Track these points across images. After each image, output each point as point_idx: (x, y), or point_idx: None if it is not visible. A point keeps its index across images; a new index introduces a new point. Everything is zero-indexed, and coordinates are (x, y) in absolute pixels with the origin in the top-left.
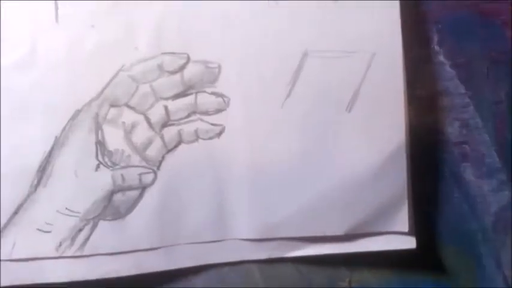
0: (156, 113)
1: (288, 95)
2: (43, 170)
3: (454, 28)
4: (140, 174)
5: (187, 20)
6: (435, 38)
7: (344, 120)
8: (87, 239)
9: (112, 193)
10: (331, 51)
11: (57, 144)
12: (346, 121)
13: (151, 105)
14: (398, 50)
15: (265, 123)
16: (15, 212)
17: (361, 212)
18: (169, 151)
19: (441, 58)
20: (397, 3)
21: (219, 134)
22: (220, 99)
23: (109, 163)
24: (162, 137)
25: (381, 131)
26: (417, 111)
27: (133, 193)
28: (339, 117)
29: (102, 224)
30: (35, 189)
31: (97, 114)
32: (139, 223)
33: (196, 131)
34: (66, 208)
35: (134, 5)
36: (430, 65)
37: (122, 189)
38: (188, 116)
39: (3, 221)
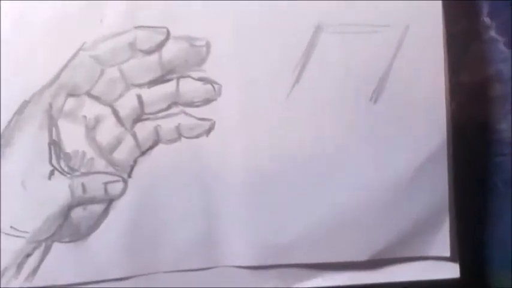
0: (127, 105)
1: (296, 82)
2: None
3: None
4: (106, 183)
5: None
6: (485, 8)
7: (368, 114)
8: (37, 266)
9: (70, 208)
10: (350, 25)
11: (1, 143)
12: (371, 115)
13: (121, 95)
14: (438, 23)
15: (267, 118)
16: None
17: (389, 233)
18: (143, 153)
19: (493, 33)
20: None
21: (208, 131)
22: (209, 86)
23: (66, 169)
24: (134, 135)
25: (415, 129)
26: (462, 102)
27: (97, 207)
28: (361, 111)
29: (57, 247)
30: None
31: (51, 106)
32: (105, 246)
33: (178, 128)
34: (11, 227)
35: None
36: (478, 43)
37: (83, 203)
38: (168, 108)
39: None
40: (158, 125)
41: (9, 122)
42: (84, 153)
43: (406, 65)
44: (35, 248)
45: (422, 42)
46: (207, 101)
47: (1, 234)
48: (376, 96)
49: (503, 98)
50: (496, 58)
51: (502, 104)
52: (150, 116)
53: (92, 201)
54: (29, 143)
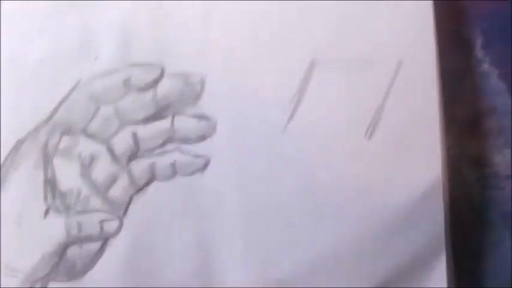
0: (122, 142)
1: (291, 118)
2: None
3: (503, 27)
4: (102, 222)
5: (160, 21)
6: (478, 41)
7: (363, 149)
8: None
9: (66, 246)
10: (344, 60)
11: None
12: (366, 151)
13: (116, 132)
14: (432, 58)
15: (262, 153)
16: None
17: (386, 267)
18: (138, 190)
19: (486, 67)
20: None
21: (203, 167)
22: (204, 123)
23: (61, 207)
24: (129, 173)
25: (410, 162)
26: (456, 136)
27: (93, 246)
28: (356, 147)
29: (53, 286)
30: None
31: (46, 145)
32: (101, 284)
33: (173, 165)
34: (6, 267)
35: (94, 4)
36: (472, 77)
37: (79, 241)
38: (163, 145)
39: None
40: (153, 162)
41: (4, 161)
42: (79, 191)
43: (400, 100)
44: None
45: (415, 77)
46: (202, 138)
47: None
48: (370, 132)
49: (498, 131)
50: (490, 91)
51: (497, 138)
52: (145, 154)
53: (88, 239)
54: (24, 181)
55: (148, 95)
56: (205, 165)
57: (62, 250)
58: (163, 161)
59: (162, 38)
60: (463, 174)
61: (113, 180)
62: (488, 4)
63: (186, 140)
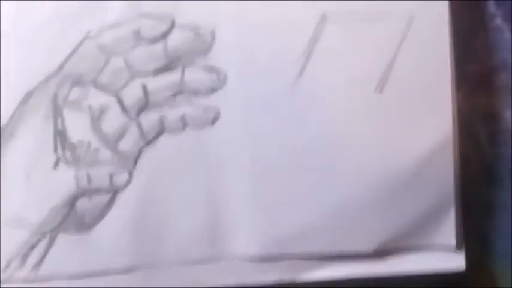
0: (132, 94)
1: (302, 71)
2: None
3: None
4: (111, 174)
5: None
6: None
7: (374, 103)
8: (42, 257)
9: (75, 198)
10: (355, 14)
11: (4, 136)
12: (376, 104)
13: (126, 84)
14: (444, 13)
15: (272, 107)
16: None
17: (395, 223)
18: (148, 143)
19: (499, 22)
20: None
21: (213, 120)
22: (214, 75)
23: (71, 159)
24: (139, 125)
25: (421, 118)
26: (468, 91)
27: (102, 198)
28: (366, 100)
29: (62, 239)
30: None
31: (55, 96)
32: (109, 237)
33: (183, 117)
34: (15, 218)
35: None
36: (484, 32)
37: (88, 193)
38: (173, 97)
39: None
40: (163, 115)
41: (13, 113)
42: (89, 143)
43: (411, 55)
44: (39, 240)
45: (427, 32)
46: (212, 90)
47: (5, 226)
48: (381, 86)
49: (509, 87)
50: (502, 47)
51: (508, 93)
52: (155, 106)
53: (97, 191)
54: (34, 133)
55: (159, 46)
56: (215, 118)
57: (71, 202)
58: (173, 114)
59: None
60: (473, 130)
61: (123, 132)
62: None
63: (196, 93)
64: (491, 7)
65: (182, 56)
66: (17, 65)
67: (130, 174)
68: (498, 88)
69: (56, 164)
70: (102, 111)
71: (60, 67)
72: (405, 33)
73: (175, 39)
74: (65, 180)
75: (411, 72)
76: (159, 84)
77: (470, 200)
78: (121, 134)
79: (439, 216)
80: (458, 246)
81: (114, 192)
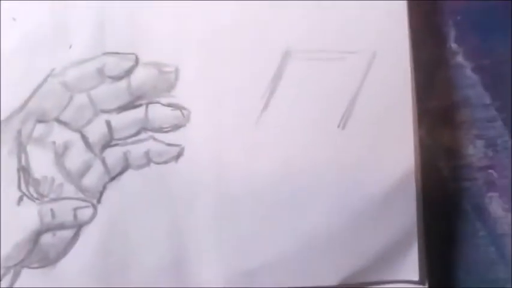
0: (96, 130)
1: (265, 108)
2: None
3: (476, 21)
4: (75, 209)
5: (135, 9)
6: (452, 34)
7: (336, 140)
8: None
9: (39, 233)
10: (319, 51)
11: None
12: (339, 141)
13: (90, 121)
14: (405, 50)
15: (235, 144)
16: None
17: (359, 257)
18: (112, 179)
19: (460, 59)
20: None
21: (177, 156)
22: (177, 112)
23: (35, 195)
24: (103, 161)
25: (383, 154)
26: (429, 127)
27: (67, 233)
28: (329, 137)
29: (27, 273)
30: None
31: (19, 132)
32: (74, 271)
33: (147, 153)
34: None
35: None
36: (445, 69)
37: (52, 228)
38: (137, 133)
39: None
40: (127, 151)
41: None
42: (53, 179)
43: (373, 91)
44: (4, 275)
45: (389, 68)
46: (176, 127)
47: None
48: (344, 122)
49: (471, 123)
50: (463, 84)
51: (470, 130)
52: (119, 142)
53: (61, 227)
54: None
55: (123, 84)
56: (179, 154)
57: (36, 237)
58: (137, 150)
59: (137, 26)
60: (436, 165)
61: (87, 168)
62: None
63: (160, 129)
64: (453, 44)
65: (146, 93)
66: None
67: (95, 209)
68: (460, 123)
69: (20, 199)
70: (66, 147)
71: (25, 104)
72: (367, 70)
73: (139, 76)
74: (29, 216)
75: (373, 108)
76: (123, 120)
77: (433, 233)
78: (85, 170)
79: (402, 250)
80: (421, 281)
81: (78, 227)
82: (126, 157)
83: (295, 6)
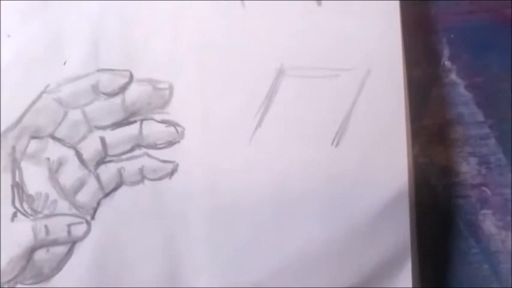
0: (90, 147)
1: (258, 125)
2: None
3: (470, 39)
4: (69, 225)
5: (129, 25)
6: (446, 52)
7: (330, 157)
8: None
9: (33, 249)
10: (313, 69)
11: None
12: (332, 158)
13: (84, 137)
14: (399, 67)
15: (229, 160)
16: None
17: (352, 273)
18: (106, 195)
19: (453, 77)
20: (397, 7)
21: (171, 173)
22: (172, 128)
23: (29, 211)
24: (97, 177)
25: (377, 171)
26: (423, 145)
27: (61, 249)
28: (323, 154)
29: None
30: None
31: (14, 148)
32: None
33: (141, 170)
34: None
35: (62, 7)
36: (439, 86)
37: (46, 245)
38: (131, 150)
39: None
40: (121, 167)
41: None
42: (47, 195)
43: (367, 109)
44: None
45: (383, 86)
46: (170, 144)
47: None
48: (338, 139)
49: (465, 141)
50: (456, 101)
51: (463, 147)
52: (114, 158)
53: (55, 243)
54: None
55: (117, 100)
56: (173, 171)
57: (29, 254)
58: (131, 166)
59: (131, 43)
60: (429, 182)
61: (81, 184)
62: (455, 16)
63: (154, 146)
64: (446, 62)
65: (140, 109)
66: None
67: (89, 225)
68: (453, 141)
69: (14, 216)
70: (60, 163)
71: (19, 120)
72: (361, 88)
73: (134, 93)
74: (22, 232)
75: (367, 126)
76: (117, 137)
77: (427, 250)
78: (79, 186)
79: (396, 267)
80: None
81: (72, 243)
82: (120, 173)
83: (289, 23)
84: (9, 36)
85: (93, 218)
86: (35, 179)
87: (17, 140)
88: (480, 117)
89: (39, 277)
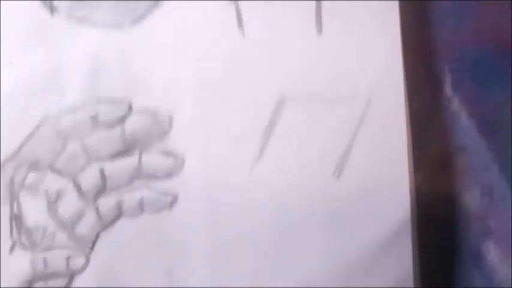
0: (89, 178)
1: (259, 156)
2: None
3: (472, 67)
4: (68, 258)
5: (128, 57)
6: (448, 80)
7: (331, 188)
8: None
9: (31, 283)
10: (314, 99)
11: None
12: (334, 190)
13: (83, 168)
14: (400, 97)
15: (231, 190)
16: None
17: None
18: (105, 227)
19: (456, 106)
20: (399, 35)
21: (171, 204)
22: (171, 159)
23: (27, 243)
24: (96, 210)
25: (379, 202)
26: (425, 175)
27: (59, 282)
28: (324, 185)
29: None
30: None
31: (12, 180)
32: None
33: (141, 202)
34: None
35: (62, 37)
36: (441, 115)
37: (44, 278)
38: (130, 181)
39: None
40: (121, 200)
41: None
42: (45, 228)
43: (369, 139)
44: None
45: (384, 116)
46: (170, 175)
47: None
48: (339, 170)
49: (468, 171)
50: (459, 131)
51: (466, 177)
52: (113, 190)
53: (54, 276)
54: None
55: (116, 131)
56: (173, 203)
57: (28, 286)
58: (130, 198)
59: (130, 74)
60: (432, 212)
61: (80, 216)
62: (457, 44)
63: (153, 177)
64: (448, 91)
65: (139, 140)
66: None
67: (88, 258)
68: (456, 171)
69: (12, 248)
70: (58, 195)
71: (17, 151)
72: (362, 118)
73: (133, 123)
74: (21, 265)
75: (369, 156)
76: (116, 168)
77: (430, 282)
78: (78, 218)
79: None
80: None
81: (71, 276)
82: (119, 206)
83: (289, 53)
84: (11, 63)
85: (92, 250)
86: (34, 211)
87: (15, 171)
88: (483, 146)
89: None
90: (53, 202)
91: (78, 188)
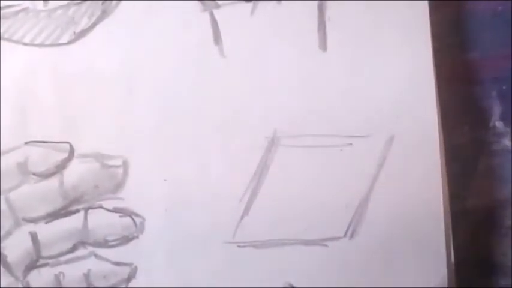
0: (17, 247)
1: (245, 214)
2: None
3: None
4: None
5: (67, 86)
6: (496, 109)
7: (342, 253)
8: None
9: None
10: (315, 136)
11: None
12: (346, 256)
13: (9, 233)
14: (433, 132)
15: (204, 261)
16: None
17: None
18: None
19: (507, 143)
20: (430, 47)
21: (128, 279)
22: (128, 219)
23: None
24: (27, 287)
25: (408, 275)
26: (466, 235)
27: None
28: (333, 251)
29: None
30: None
31: None
32: None
33: (87, 276)
34: None
35: None
36: (487, 156)
37: None
38: (73, 249)
39: None
40: (60, 272)
41: None
42: None
43: (391, 189)
44: None
45: (411, 157)
46: (126, 240)
47: None
48: (352, 230)
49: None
50: (511, 175)
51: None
52: (49, 261)
53: None
54: None
55: (53, 183)
56: (131, 276)
57: None
58: (73, 271)
59: (71, 109)
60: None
61: None
62: (507, 60)
63: (104, 243)
64: (498, 123)
65: (84, 194)
66: None
67: None
68: (508, 229)
69: None
70: None
71: None
72: (382, 160)
73: (75, 172)
74: None
75: (390, 212)
76: (53, 232)
77: None
78: None
79: None
80: None
81: None
82: (58, 281)
83: (284, 76)
84: None
85: None
86: None
87: None
88: None
89: None
90: None
91: (4, 260)
